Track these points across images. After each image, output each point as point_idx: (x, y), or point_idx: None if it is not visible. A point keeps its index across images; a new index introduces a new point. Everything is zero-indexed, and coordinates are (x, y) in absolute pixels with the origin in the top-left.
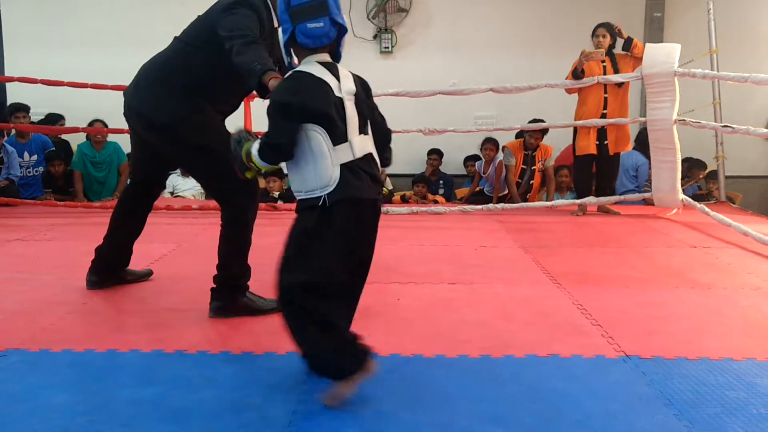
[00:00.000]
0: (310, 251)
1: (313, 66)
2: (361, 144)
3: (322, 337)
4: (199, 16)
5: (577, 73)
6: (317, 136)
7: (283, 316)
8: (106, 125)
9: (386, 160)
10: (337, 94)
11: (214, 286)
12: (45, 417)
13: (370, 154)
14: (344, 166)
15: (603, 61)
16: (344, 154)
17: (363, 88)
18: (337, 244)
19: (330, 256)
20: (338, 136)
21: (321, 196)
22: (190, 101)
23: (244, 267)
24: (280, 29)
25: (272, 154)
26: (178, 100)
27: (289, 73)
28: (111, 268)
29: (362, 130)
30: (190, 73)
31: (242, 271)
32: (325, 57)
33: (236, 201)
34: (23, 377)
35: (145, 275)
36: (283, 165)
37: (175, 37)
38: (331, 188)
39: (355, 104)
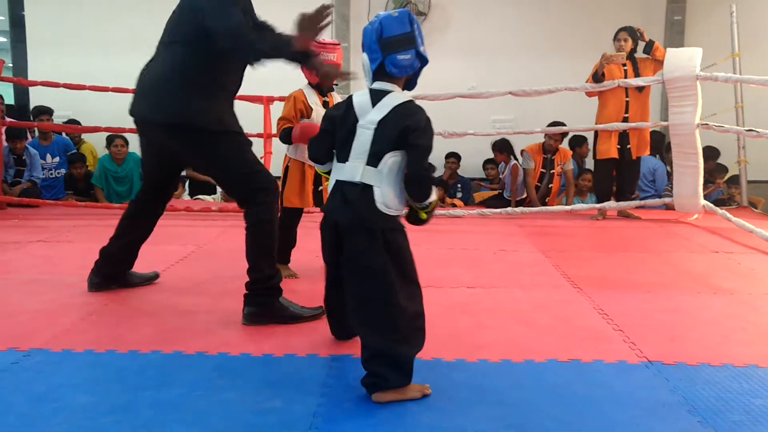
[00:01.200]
0: None
1: (362, 92)
2: (352, 170)
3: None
4: (174, 11)
5: (598, 77)
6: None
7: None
8: (127, 142)
9: (412, 195)
10: (359, 120)
11: (247, 291)
12: (68, 417)
13: (361, 184)
14: (337, 182)
15: (624, 65)
16: (340, 172)
17: (399, 124)
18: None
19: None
20: (342, 154)
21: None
22: (208, 98)
23: (275, 267)
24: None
25: (312, 151)
26: (197, 99)
27: (406, 102)
28: (114, 270)
29: (370, 161)
30: (200, 69)
31: (273, 271)
32: (388, 86)
33: (260, 199)
34: (46, 377)
35: (151, 278)
36: None
37: (164, 42)
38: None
39: (374, 134)
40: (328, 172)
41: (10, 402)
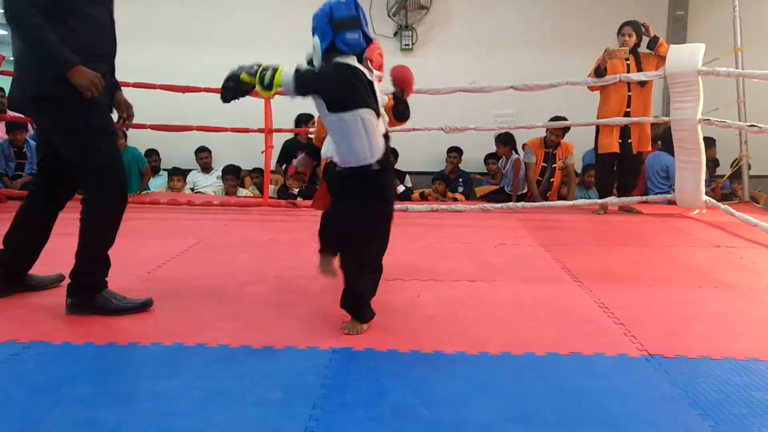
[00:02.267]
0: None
1: (351, 59)
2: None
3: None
4: None
5: (600, 71)
6: (371, 117)
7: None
8: (125, 135)
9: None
10: (369, 77)
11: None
12: (69, 409)
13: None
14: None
15: (627, 59)
16: (381, 128)
17: None
18: None
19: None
20: (376, 113)
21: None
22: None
23: (98, 263)
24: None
25: (312, 87)
26: (40, 68)
27: (336, 62)
28: (7, 273)
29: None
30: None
31: (95, 267)
32: (352, 60)
33: (92, 194)
34: (46, 369)
35: (55, 281)
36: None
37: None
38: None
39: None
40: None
41: (10, 393)
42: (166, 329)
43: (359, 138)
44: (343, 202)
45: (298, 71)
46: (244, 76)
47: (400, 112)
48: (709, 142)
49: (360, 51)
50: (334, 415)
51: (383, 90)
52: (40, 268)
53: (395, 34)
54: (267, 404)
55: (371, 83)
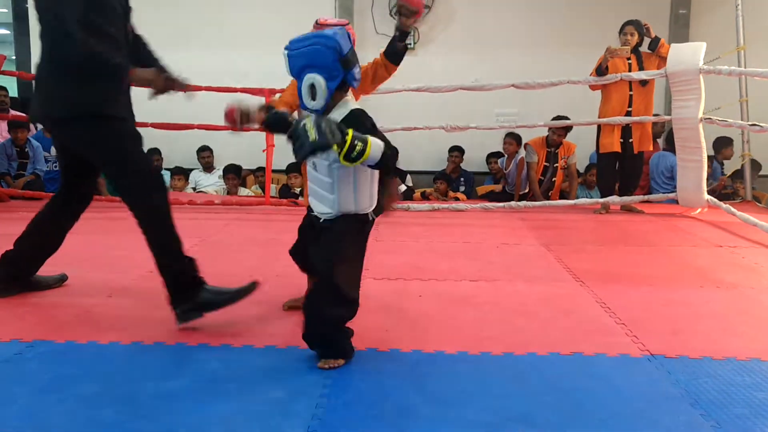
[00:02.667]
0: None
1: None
2: None
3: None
4: None
5: (602, 70)
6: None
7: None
8: None
9: None
10: None
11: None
12: (72, 408)
13: None
14: None
15: (628, 59)
16: None
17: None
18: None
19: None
20: None
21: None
22: (80, 83)
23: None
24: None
25: (393, 161)
26: (68, 87)
27: (354, 110)
28: (14, 275)
29: None
30: (66, 58)
31: (181, 263)
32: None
33: (139, 198)
34: (50, 368)
35: (58, 281)
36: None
37: (40, 35)
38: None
39: None
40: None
41: (14, 392)
42: (168, 329)
43: (366, 187)
44: (333, 258)
45: (386, 150)
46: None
47: (398, 51)
48: (727, 142)
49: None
50: (336, 414)
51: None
52: (57, 260)
53: None
54: (269, 403)
55: None
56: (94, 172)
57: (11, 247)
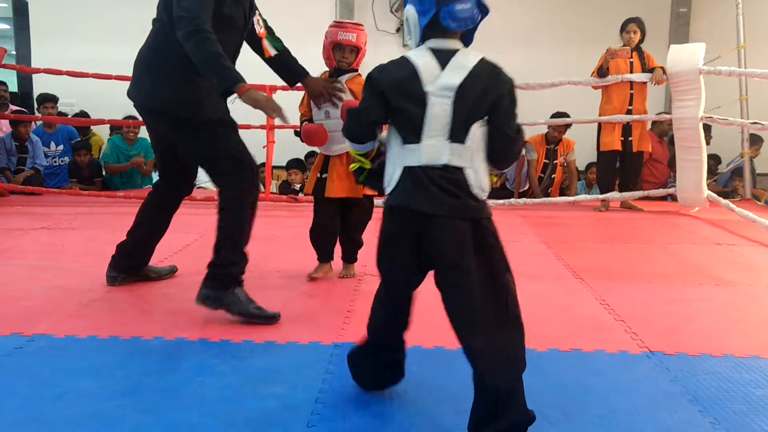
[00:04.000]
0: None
1: (420, 52)
2: (436, 151)
3: None
4: None
5: (603, 71)
6: (392, 130)
7: None
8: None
9: (499, 164)
10: (425, 87)
11: (207, 271)
12: (72, 402)
13: (449, 167)
14: (408, 169)
15: (630, 59)
16: (412, 156)
17: (487, 88)
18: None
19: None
20: (411, 134)
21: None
22: (181, 80)
23: (239, 255)
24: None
25: (350, 127)
26: (167, 82)
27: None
28: (131, 265)
29: (454, 136)
30: (173, 51)
31: (235, 259)
32: (449, 43)
33: (228, 186)
34: (50, 362)
35: (169, 272)
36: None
37: (153, 19)
38: (390, 189)
39: (454, 102)
40: (367, 155)
41: (14, 386)
42: (167, 323)
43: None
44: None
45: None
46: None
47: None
48: (755, 140)
49: (472, 26)
50: (336, 408)
51: None
52: (58, 255)
53: (398, 30)
54: (269, 398)
55: None
56: (190, 171)
57: (123, 239)
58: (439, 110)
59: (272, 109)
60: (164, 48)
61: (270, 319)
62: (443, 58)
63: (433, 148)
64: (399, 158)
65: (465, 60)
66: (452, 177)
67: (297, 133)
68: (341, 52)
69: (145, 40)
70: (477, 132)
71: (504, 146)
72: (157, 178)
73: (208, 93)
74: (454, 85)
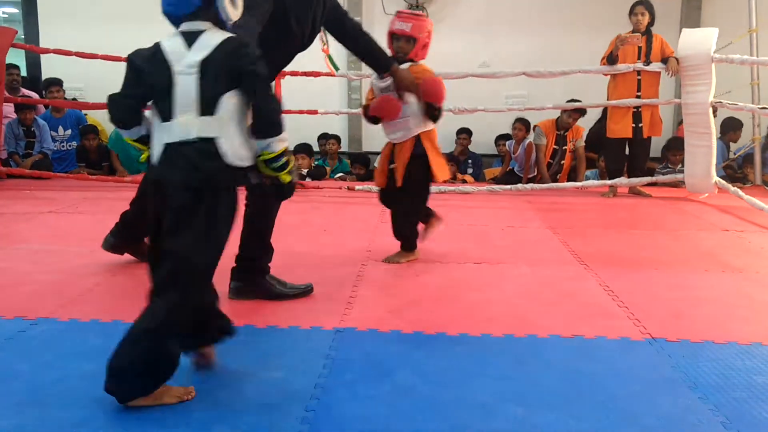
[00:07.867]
0: None
1: (171, 36)
2: (187, 126)
3: None
4: None
5: (612, 58)
6: (153, 111)
7: None
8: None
9: (261, 132)
10: (174, 67)
11: (235, 265)
12: (74, 385)
13: (201, 138)
14: (167, 146)
15: (639, 46)
16: (167, 134)
17: (228, 61)
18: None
19: None
20: (165, 112)
21: None
22: None
23: (265, 248)
24: None
25: (112, 110)
26: None
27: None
28: (131, 235)
29: (204, 110)
30: None
31: (262, 252)
32: (198, 25)
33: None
34: (53, 346)
35: (305, 291)
36: None
37: None
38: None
39: (199, 78)
40: (141, 140)
41: (17, 369)
42: None
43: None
44: None
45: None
46: (283, 177)
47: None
48: (736, 125)
49: (193, 11)
50: (334, 393)
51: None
52: (64, 239)
53: None
54: (269, 383)
55: None
56: None
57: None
58: (186, 87)
59: None
60: None
61: (306, 291)
62: (191, 39)
63: (184, 124)
64: (158, 136)
65: (210, 39)
66: (203, 148)
67: (367, 116)
68: (397, 42)
69: None
70: (228, 103)
71: (258, 115)
72: None
73: None
74: (196, 61)
